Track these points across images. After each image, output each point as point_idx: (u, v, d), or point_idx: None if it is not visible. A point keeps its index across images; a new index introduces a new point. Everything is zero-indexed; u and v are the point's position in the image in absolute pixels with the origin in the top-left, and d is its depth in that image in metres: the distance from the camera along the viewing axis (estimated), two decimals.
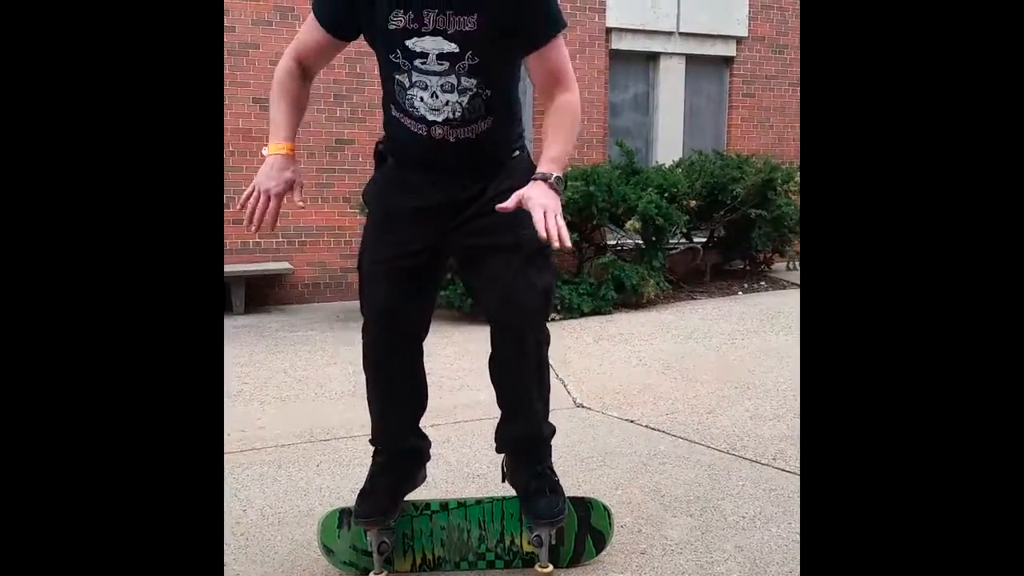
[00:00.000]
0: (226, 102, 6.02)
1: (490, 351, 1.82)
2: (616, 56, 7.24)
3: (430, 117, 1.65)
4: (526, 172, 1.69)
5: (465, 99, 1.64)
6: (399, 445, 1.90)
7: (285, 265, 6.21)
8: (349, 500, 2.34)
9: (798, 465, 2.53)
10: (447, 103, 1.64)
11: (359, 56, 6.33)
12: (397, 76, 1.65)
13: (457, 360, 3.97)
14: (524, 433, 1.87)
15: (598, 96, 7.14)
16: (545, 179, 1.58)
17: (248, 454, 2.79)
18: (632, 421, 3.08)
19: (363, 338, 1.81)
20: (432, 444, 2.02)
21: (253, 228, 1.62)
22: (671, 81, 7.42)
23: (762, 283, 6.42)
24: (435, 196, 1.73)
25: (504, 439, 1.92)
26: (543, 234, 1.48)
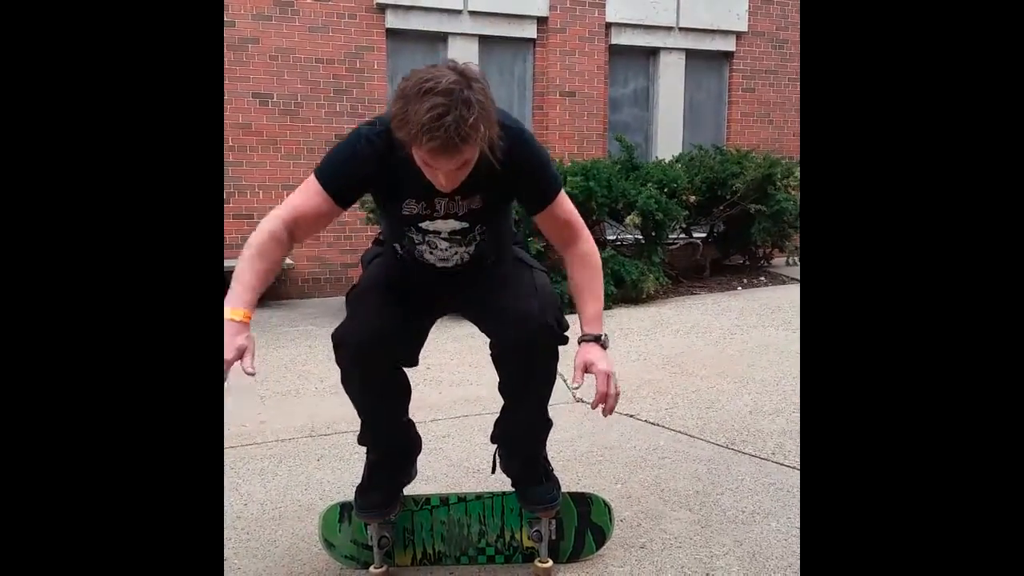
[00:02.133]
0: (226, 97, 6.02)
1: (494, 350, 1.79)
2: (616, 51, 7.23)
3: (439, 265, 1.74)
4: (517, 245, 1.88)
5: (472, 249, 1.73)
6: (389, 445, 1.90)
7: (285, 260, 6.21)
8: (350, 494, 2.35)
9: (798, 459, 2.54)
10: (455, 254, 1.73)
11: (358, 51, 6.33)
12: (406, 236, 1.72)
13: (457, 355, 3.98)
14: (525, 430, 1.88)
15: (598, 91, 7.13)
16: (598, 340, 1.71)
17: (249, 448, 2.80)
18: (632, 416, 3.08)
19: (344, 367, 1.74)
20: (422, 436, 2.01)
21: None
22: (671, 76, 7.41)
23: (762, 278, 6.42)
24: (438, 283, 1.79)
25: (503, 432, 1.94)
26: (601, 403, 1.69)
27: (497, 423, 1.94)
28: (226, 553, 2.00)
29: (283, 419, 3.15)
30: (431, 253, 1.72)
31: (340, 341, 1.71)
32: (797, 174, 6.19)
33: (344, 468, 2.58)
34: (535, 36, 6.88)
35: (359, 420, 1.87)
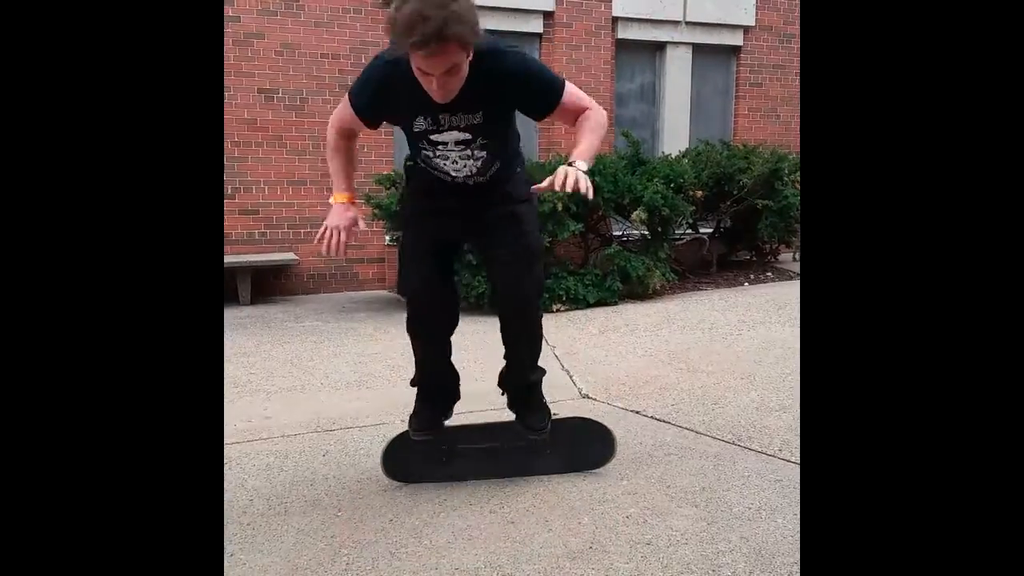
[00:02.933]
0: (231, 93, 6.01)
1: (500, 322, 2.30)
2: (622, 46, 7.21)
3: (453, 173, 2.10)
4: (523, 185, 2.18)
5: (479, 163, 2.07)
6: (437, 379, 2.39)
7: (291, 256, 6.21)
8: (355, 490, 2.36)
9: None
10: (465, 165, 2.07)
11: (364, 46, 6.31)
12: (423, 151, 2.07)
13: (462, 352, 3.96)
14: (521, 380, 2.37)
15: (604, 86, 7.10)
16: (570, 163, 1.92)
17: (254, 444, 2.80)
18: (638, 412, 3.07)
19: (411, 312, 2.25)
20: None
21: (332, 254, 2.04)
22: (678, 71, 7.38)
23: (768, 274, 6.40)
24: (458, 208, 2.16)
25: (507, 382, 2.42)
26: (557, 187, 1.84)
27: (501, 375, 2.43)
28: (231, 548, 2.00)
29: (288, 415, 3.15)
30: (445, 163, 2.07)
31: (406, 293, 2.27)
32: None
33: (349, 464, 2.58)
34: (541, 30, 6.86)
35: (416, 365, 2.37)
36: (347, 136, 2.15)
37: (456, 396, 2.46)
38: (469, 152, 2.03)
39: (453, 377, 2.43)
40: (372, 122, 2.09)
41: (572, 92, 2.01)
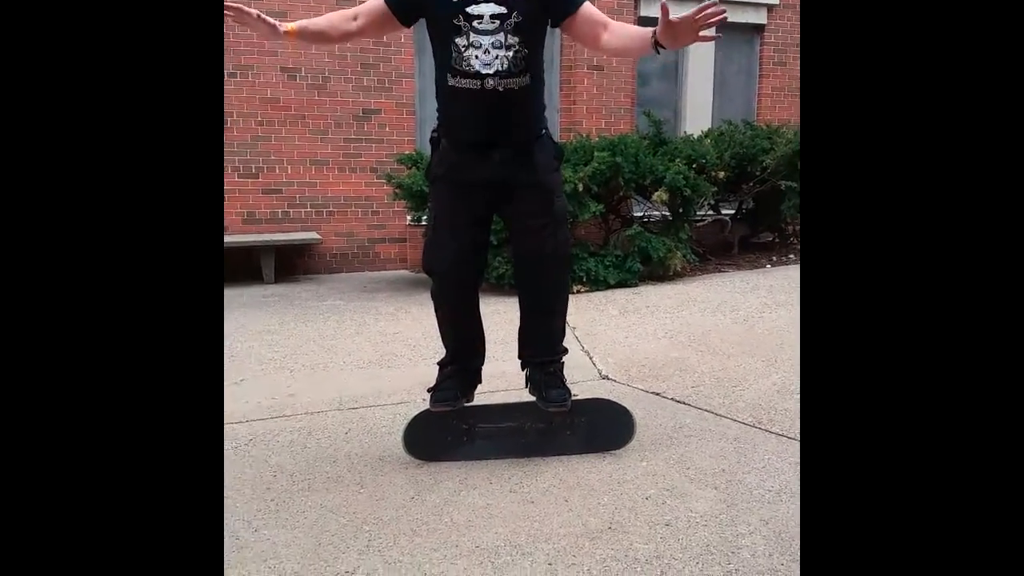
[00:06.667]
0: (255, 71, 6.04)
1: (518, 282, 2.42)
2: (645, 23, 7.10)
3: (484, 71, 2.10)
4: (550, 151, 2.31)
5: (511, 54, 2.10)
6: (466, 365, 2.44)
7: (313, 235, 6.26)
8: (377, 467, 2.39)
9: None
10: (496, 57, 2.09)
11: None
12: (456, 40, 2.08)
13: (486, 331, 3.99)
14: (545, 352, 2.41)
15: (626, 64, 7.03)
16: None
17: (278, 421, 2.84)
18: (658, 394, 3.08)
19: (437, 288, 2.35)
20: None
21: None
22: (701, 50, 7.28)
23: (791, 256, 6.34)
24: (487, 174, 2.21)
25: (527, 356, 2.45)
26: (717, 11, 1.93)
27: (519, 336, 2.46)
28: (256, 523, 2.04)
29: (312, 392, 3.19)
30: (476, 58, 2.09)
31: (430, 270, 2.33)
32: None
33: (372, 442, 2.61)
34: None
35: (444, 346, 2.45)
36: (355, 22, 2.24)
37: (478, 379, 2.50)
38: (502, 36, 2.07)
39: (482, 335, 2.47)
40: (404, 18, 2.20)
41: (592, 5, 2.16)
